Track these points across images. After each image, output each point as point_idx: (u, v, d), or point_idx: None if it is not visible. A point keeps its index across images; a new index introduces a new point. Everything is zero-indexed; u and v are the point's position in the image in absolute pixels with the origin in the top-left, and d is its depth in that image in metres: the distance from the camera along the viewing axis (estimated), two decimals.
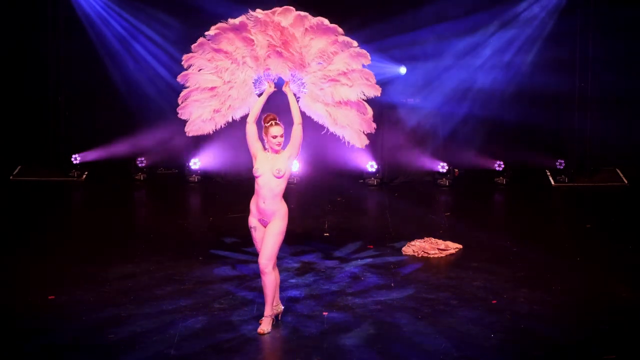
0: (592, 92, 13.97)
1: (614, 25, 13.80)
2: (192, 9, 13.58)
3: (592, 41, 13.78)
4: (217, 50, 7.36)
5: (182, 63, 7.49)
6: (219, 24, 7.32)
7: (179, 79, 7.52)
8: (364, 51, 7.42)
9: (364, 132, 7.56)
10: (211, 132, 7.58)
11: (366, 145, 7.66)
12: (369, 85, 7.47)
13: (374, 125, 7.55)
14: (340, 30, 7.35)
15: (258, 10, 7.26)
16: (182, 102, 7.52)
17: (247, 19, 7.28)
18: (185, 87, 7.55)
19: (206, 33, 7.34)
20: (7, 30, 13.92)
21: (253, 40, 7.28)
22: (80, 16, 13.96)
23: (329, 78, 7.40)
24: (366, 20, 13.63)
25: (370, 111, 7.50)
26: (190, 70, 7.46)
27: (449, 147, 14.24)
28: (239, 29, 7.30)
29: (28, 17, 13.88)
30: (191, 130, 7.58)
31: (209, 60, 7.41)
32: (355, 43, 7.39)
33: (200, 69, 7.44)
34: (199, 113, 7.49)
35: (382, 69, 13.73)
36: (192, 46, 7.42)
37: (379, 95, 7.50)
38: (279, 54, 7.27)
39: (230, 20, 7.29)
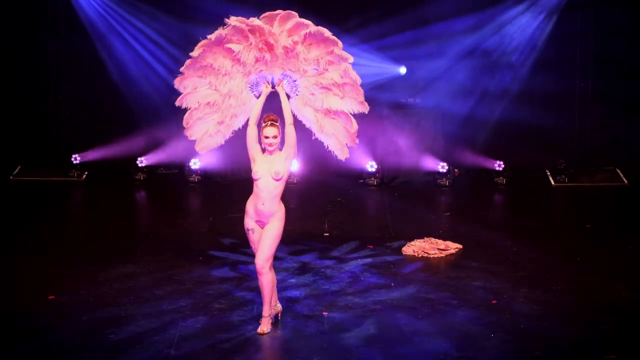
0: (592, 91, 13.98)
1: (615, 25, 13.80)
2: (192, 9, 13.59)
3: (593, 41, 13.78)
4: (206, 66, 7.40)
5: (175, 87, 7.52)
6: (201, 42, 7.35)
7: (177, 103, 7.55)
8: (355, 73, 7.44)
9: (347, 145, 7.57)
10: (221, 144, 7.60)
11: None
12: (358, 101, 7.50)
13: (356, 140, 7.56)
14: (339, 43, 7.38)
15: (232, 17, 7.28)
16: (186, 124, 7.54)
17: (224, 29, 7.28)
18: (186, 109, 7.57)
19: (191, 54, 7.37)
20: (7, 30, 13.92)
21: (234, 50, 7.29)
22: (80, 16, 13.96)
23: (321, 85, 7.44)
24: (367, 19, 13.64)
25: (355, 126, 7.52)
26: (185, 92, 7.48)
27: (449, 147, 14.25)
28: (220, 41, 7.31)
29: (28, 17, 13.88)
30: (202, 148, 7.61)
31: (201, 77, 7.45)
32: (350, 59, 7.42)
33: (196, 87, 7.47)
34: (204, 129, 7.52)
35: (382, 69, 13.74)
36: (181, 69, 7.45)
37: (366, 112, 7.54)
38: (262, 59, 7.31)
39: (209, 36, 7.31)
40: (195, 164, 14.02)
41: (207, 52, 7.38)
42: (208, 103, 7.49)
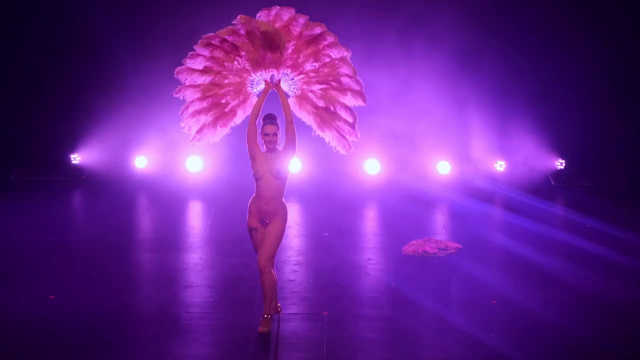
0: (592, 91, 13.96)
1: (615, 24, 13.78)
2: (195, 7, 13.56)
3: (593, 40, 13.76)
4: (209, 59, 7.37)
5: (175, 76, 7.46)
6: (206, 35, 7.33)
7: (176, 94, 7.48)
8: (351, 65, 7.43)
9: (348, 139, 7.52)
10: (217, 139, 7.55)
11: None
12: (358, 93, 7.47)
13: (358, 133, 7.52)
14: (335, 36, 7.38)
15: (241, 16, 7.28)
16: (183, 116, 7.49)
17: (233, 25, 7.30)
18: (184, 101, 7.54)
19: (195, 47, 7.36)
20: (7, 27, 13.89)
21: (239, 47, 7.30)
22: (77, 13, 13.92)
23: (319, 81, 7.42)
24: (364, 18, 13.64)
25: (355, 118, 7.48)
26: (186, 83, 7.45)
27: (450, 147, 14.22)
28: (227, 37, 7.31)
29: (28, 16, 13.86)
30: (197, 142, 7.54)
31: (202, 70, 7.40)
32: (349, 51, 7.41)
33: (196, 81, 7.43)
34: (202, 122, 7.48)
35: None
36: (184, 60, 7.42)
37: (365, 105, 7.50)
38: (262, 57, 7.30)
39: (219, 31, 7.31)
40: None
41: (211, 45, 7.36)
42: (207, 97, 7.46)
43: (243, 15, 7.26)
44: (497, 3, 13.59)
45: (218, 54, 7.34)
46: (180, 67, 7.44)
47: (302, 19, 7.39)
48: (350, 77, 7.45)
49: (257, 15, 7.37)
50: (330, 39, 7.39)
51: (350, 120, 7.48)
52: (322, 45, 7.39)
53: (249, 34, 7.23)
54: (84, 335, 7.19)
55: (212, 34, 7.33)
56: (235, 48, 7.30)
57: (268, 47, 7.27)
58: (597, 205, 12.09)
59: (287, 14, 7.39)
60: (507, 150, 13.74)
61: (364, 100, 7.49)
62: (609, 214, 11.55)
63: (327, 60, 7.41)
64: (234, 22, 7.26)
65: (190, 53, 7.40)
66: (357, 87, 7.46)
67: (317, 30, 7.37)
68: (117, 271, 9.01)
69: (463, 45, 13.43)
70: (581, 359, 6.86)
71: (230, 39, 7.27)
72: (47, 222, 11.27)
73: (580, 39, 13.65)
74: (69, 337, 7.15)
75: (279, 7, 7.40)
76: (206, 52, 7.35)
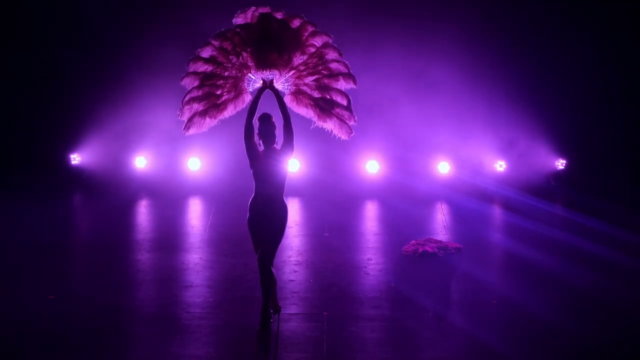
0: (592, 90, 13.97)
1: (615, 23, 13.79)
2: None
3: (593, 39, 13.77)
4: (217, 49, 7.42)
5: (187, 68, 7.52)
6: (218, 32, 7.43)
7: (182, 82, 7.52)
8: (335, 47, 7.48)
9: (348, 124, 7.50)
10: (206, 129, 7.56)
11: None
12: (347, 76, 7.48)
13: (354, 116, 7.50)
14: (313, 25, 7.44)
15: (240, 15, 7.41)
16: (182, 104, 7.52)
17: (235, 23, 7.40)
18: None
19: (210, 39, 7.44)
20: (7, 25, 13.90)
21: (247, 42, 7.34)
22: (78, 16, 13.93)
23: (310, 72, 7.43)
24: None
25: (349, 100, 7.47)
26: (189, 70, 7.49)
27: (450, 147, 14.23)
28: (240, 31, 7.36)
29: (28, 15, 13.87)
30: (187, 130, 7.54)
31: (208, 58, 7.44)
32: (330, 36, 7.46)
33: (199, 69, 7.47)
34: (193, 111, 7.49)
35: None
36: (197, 50, 7.48)
37: (356, 86, 7.51)
38: (271, 55, 7.34)
39: (237, 25, 7.42)
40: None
41: (221, 37, 7.41)
42: (204, 86, 7.46)
43: (263, 12, 7.35)
44: (499, 6, 13.61)
45: (227, 45, 7.37)
46: (191, 58, 7.49)
47: (278, 15, 7.43)
48: (338, 62, 7.48)
49: (234, 18, 7.50)
50: (310, 28, 7.45)
51: (345, 103, 7.46)
52: (304, 37, 7.42)
53: (264, 30, 7.27)
54: (84, 335, 7.19)
55: (230, 27, 7.41)
56: (243, 42, 7.32)
57: (276, 47, 7.26)
58: (597, 205, 12.09)
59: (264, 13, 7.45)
60: (508, 150, 13.73)
61: (354, 81, 7.52)
62: (609, 214, 11.54)
63: (313, 50, 7.44)
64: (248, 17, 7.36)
65: (204, 42, 7.45)
66: (345, 70, 7.49)
67: (296, 22, 7.43)
68: (117, 271, 9.01)
69: (464, 47, 13.44)
70: (581, 359, 6.86)
71: (243, 33, 7.32)
72: (46, 222, 11.27)
73: (580, 40, 13.68)
74: (69, 337, 7.15)
75: (254, 8, 7.47)
76: (217, 43, 7.40)
